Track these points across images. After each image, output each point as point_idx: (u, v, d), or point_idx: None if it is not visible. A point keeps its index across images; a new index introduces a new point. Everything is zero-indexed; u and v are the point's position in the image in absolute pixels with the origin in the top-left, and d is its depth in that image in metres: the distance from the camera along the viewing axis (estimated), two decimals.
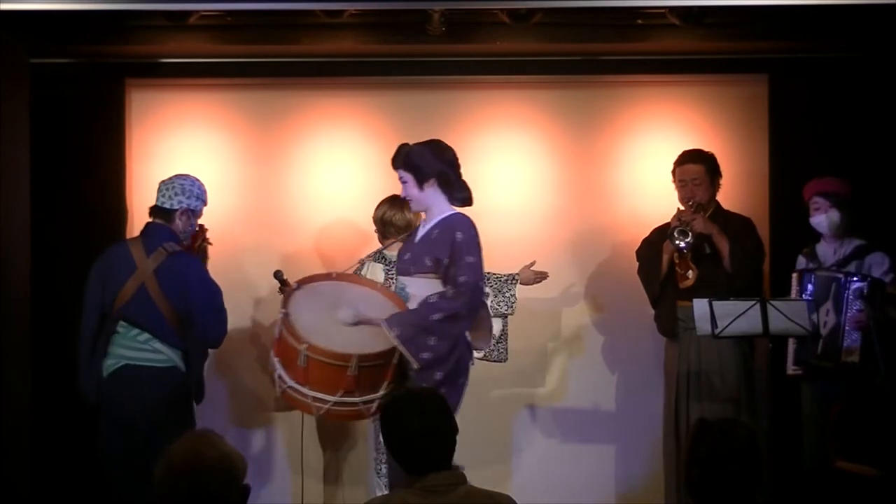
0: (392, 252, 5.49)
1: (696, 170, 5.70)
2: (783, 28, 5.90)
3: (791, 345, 5.56)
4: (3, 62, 5.53)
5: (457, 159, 4.88)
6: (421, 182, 4.82)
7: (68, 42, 5.96)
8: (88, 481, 6.03)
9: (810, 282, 5.50)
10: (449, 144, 4.90)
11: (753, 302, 5.16)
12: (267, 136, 6.34)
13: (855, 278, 5.37)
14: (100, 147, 6.18)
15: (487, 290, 5.51)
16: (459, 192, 4.88)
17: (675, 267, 5.66)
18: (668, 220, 5.71)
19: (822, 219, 5.55)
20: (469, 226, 4.80)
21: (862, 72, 6.05)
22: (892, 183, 5.95)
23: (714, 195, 5.75)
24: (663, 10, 5.73)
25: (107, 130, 6.20)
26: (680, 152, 5.83)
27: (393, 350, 4.63)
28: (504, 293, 5.63)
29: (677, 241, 5.55)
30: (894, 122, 5.90)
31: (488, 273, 5.51)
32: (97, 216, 6.11)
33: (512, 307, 5.64)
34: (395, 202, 5.57)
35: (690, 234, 5.54)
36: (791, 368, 5.58)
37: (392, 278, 5.43)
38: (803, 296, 5.45)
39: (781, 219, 6.14)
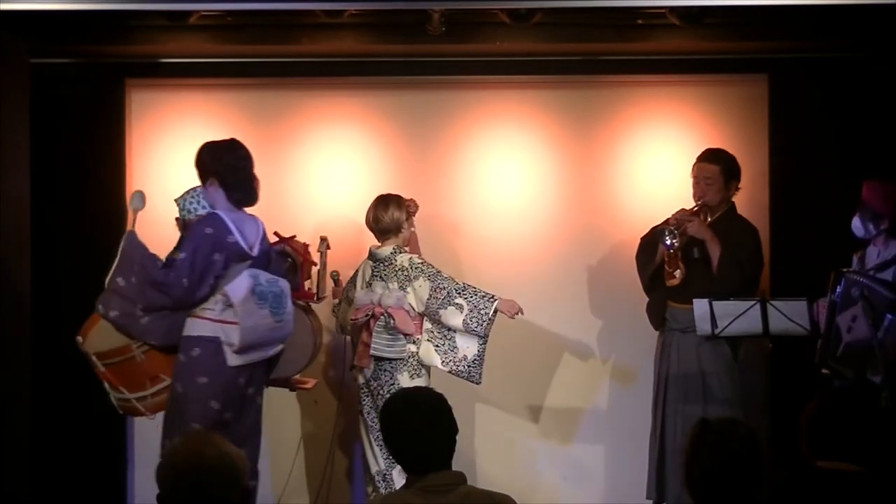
0: (380, 250, 5.52)
1: (711, 169, 5.66)
2: (783, 28, 5.89)
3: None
4: (3, 62, 5.53)
5: (241, 160, 4.86)
6: (203, 181, 4.88)
7: (68, 42, 5.96)
8: (88, 481, 6.05)
9: (840, 283, 5.36)
10: (241, 144, 4.91)
11: (753, 302, 5.14)
12: (267, 136, 6.33)
13: None
14: (100, 147, 6.18)
15: (462, 301, 5.36)
16: (235, 193, 4.85)
17: (664, 264, 5.65)
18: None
19: (852, 221, 5.41)
20: (204, 224, 4.78)
21: (862, 72, 6.05)
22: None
23: (728, 197, 5.72)
24: (663, 10, 5.72)
25: (107, 130, 6.20)
26: (691, 150, 5.83)
27: (128, 346, 4.76)
28: (480, 309, 5.31)
29: (664, 240, 5.54)
30: (894, 123, 5.90)
31: (466, 285, 5.47)
32: (97, 216, 6.11)
33: (483, 327, 5.29)
34: (380, 202, 5.55)
35: (679, 235, 5.53)
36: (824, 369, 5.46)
37: (378, 277, 5.48)
38: (833, 295, 5.29)
39: (781, 219, 6.13)
